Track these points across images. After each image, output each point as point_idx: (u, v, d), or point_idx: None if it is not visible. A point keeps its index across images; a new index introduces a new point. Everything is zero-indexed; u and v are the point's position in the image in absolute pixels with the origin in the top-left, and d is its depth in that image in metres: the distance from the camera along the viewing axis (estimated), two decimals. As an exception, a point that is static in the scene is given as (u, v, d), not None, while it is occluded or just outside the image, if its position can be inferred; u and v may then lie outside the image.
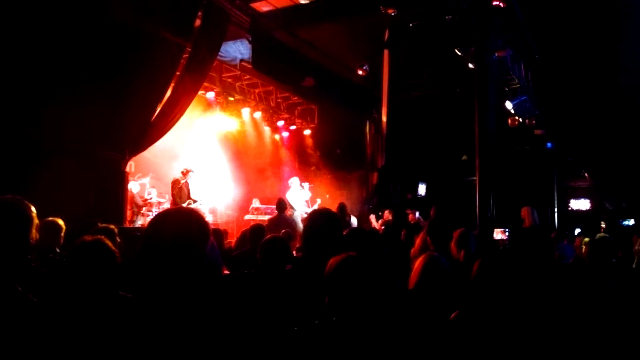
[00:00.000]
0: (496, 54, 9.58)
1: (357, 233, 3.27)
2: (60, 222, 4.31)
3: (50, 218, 4.28)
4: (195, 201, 9.92)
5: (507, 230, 10.29)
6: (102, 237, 2.66)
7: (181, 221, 1.52)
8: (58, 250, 4.22)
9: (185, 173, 9.94)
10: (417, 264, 2.66)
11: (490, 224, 8.59)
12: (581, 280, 3.06)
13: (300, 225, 9.67)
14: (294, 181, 11.67)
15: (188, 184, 9.95)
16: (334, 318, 1.61)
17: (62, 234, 4.35)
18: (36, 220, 1.79)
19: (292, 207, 10.84)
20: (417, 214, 9.81)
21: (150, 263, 1.52)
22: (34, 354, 1.70)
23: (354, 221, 9.33)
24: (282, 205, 8.28)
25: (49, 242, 4.16)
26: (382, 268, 1.73)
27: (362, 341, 1.62)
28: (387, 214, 10.03)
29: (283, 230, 5.65)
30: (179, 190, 9.75)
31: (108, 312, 1.77)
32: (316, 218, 2.39)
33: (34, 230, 1.77)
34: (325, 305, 1.66)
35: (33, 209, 1.80)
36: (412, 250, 5.25)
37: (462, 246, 4.46)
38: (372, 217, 10.59)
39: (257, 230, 5.53)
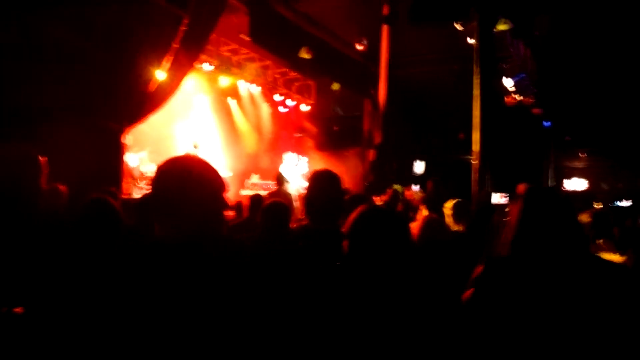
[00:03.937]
0: (496, 28, 9.52)
1: (359, 198, 3.30)
2: (62, 188, 4.32)
3: (52, 184, 4.29)
4: None
5: (508, 195, 9.92)
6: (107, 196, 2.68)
7: (195, 166, 1.54)
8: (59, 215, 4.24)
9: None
10: (417, 225, 2.69)
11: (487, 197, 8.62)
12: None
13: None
14: (288, 156, 11.70)
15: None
16: (355, 261, 1.67)
17: (63, 202, 4.36)
18: (45, 169, 1.81)
19: (286, 181, 10.86)
20: (417, 188, 9.81)
21: (159, 210, 1.53)
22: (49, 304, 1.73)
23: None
24: (281, 178, 8.29)
25: (51, 208, 4.17)
26: (401, 222, 1.78)
27: (377, 285, 1.66)
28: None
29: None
30: None
31: (118, 267, 1.78)
32: (319, 176, 2.41)
33: (43, 178, 1.79)
34: (343, 252, 1.71)
35: (41, 157, 1.82)
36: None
37: (460, 217, 4.51)
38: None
39: (256, 200, 5.56)
